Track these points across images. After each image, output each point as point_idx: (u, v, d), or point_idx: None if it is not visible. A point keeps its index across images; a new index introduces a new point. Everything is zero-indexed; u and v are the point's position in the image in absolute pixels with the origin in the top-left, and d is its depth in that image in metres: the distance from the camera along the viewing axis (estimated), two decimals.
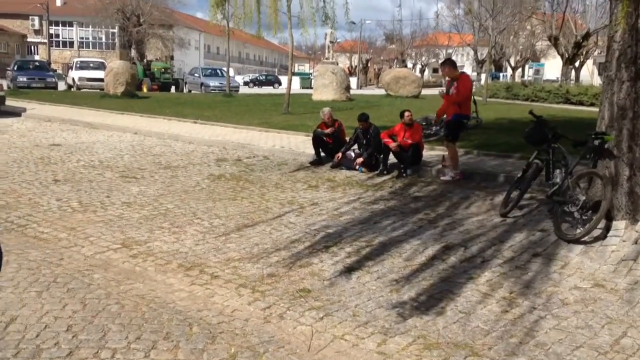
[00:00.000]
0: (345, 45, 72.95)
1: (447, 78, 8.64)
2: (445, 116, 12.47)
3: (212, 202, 7.02)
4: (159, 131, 13.03)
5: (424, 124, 12.05)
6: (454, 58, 64.99)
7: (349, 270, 4.73)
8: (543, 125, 6.12)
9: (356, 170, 9.16)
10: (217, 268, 4.74)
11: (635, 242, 4.87)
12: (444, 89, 8.74)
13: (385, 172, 8.88)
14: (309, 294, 4.23)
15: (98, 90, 25.96)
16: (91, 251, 5.08)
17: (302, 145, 11.23)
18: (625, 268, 4.56)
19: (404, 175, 8.71)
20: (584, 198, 5.30)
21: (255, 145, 11.21)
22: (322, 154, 9.78)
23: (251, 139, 12.06)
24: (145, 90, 31.56)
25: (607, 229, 5.16)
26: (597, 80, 50.15)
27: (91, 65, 31.62)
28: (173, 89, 37.03)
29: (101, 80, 24.92)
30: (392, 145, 8.81)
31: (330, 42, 28.66)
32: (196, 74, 37.50)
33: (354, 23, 55.61)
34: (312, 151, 9.84)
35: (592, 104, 24.04)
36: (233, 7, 20.04)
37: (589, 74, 55.67)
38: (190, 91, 36.62)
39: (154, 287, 4.31)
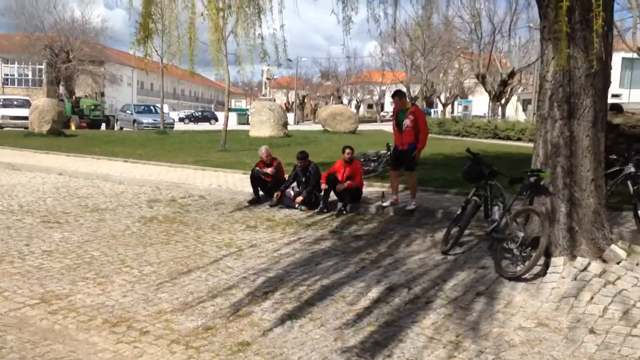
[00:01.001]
0: (282, 82, 73.54)
1: (391, 109, 8.71)
2: (386, 150, 12.65)
3: (143, 247, 6.61)
4: (87, 171, 12.40)
5: (362, 160, 12.06)
6: (386, 96, 67.10)
7: (290, 318, 4.48)
8: (480, 163, 6.17)
9: (295, 208, 8.97)
10: (147, 322, 4.37)
11: (575, 279, 4.89)
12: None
13: (325, 209, 8.74)
14: (248, 348, 3.95)
15: (22, 129, 24.73)
16: (5, 308, 4.59)
17: (239, 183, 10.96)
18: (566, 305, 4.55)
19: (344, 212, 8.60)
20: (522, 235, 5.32)
21: (190, 185, 10.83)
22: (261, 192, 9.55)
23: (186, 178, 11.67)
24: (73, 128, 30.39)
25: (547, 265, 5.18)
26: (522, 116, 52.79)
27: (15, 102, 30.28)
28: (103, 126, 35.87)
29: (25, 118, 23.81)
30: (322, 186, 8.76)
31: (267, 78, 28.72)
32: (128, 111, 36.56)
33: (290, 60, 56.33)
34: (250, 189, 9.58)
35: (518, 139, 25.11)
36: (167, 43, 19.80)
37: (514, 110, 58.55)
38: (122, 128, 35.59)
39: (75, 348, 3.90)
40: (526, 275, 5.08)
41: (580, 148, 5.32)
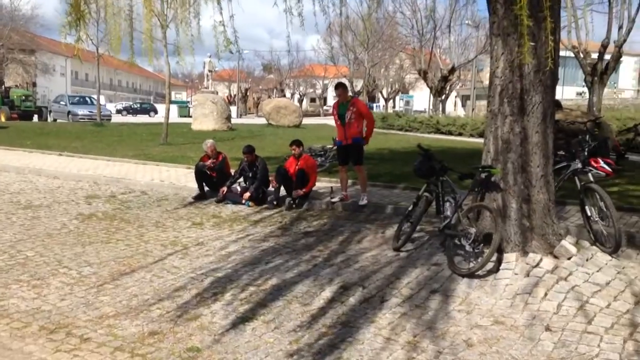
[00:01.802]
0: (224, 74, 72.45)
1: (334, 104, 8.58)
2: (332, 145, 12.55)
3: (82, 246, 6.23)
4: (18, 165, 11.68)
5: (310, 154, 11.91)
6: (329, 90, 67.22)
7: (242, 320, 4.29)
8: (431, 159, 6.14)
9: (243, 204, 8.73)
10: (88, 328, 4.07)
11: (527, 275, 4.93)
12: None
13: (275, 203, 8.56)
14: (199, 354, 3.73)
15: None
16: None
17: (183, 178, 10.59)
18: (521, 302, 4.57)
19: (293, 206, 8.44)
20: (474, 231, 5.33)
21: (131, 180, 10.37)
22: (206, 188, 9.25)
23: (126, 173, 11.18)
24: (3, 119, 28.79)
25: (499, 261, 5.20)
26: (461, 112, 54.17)
27: None
28: (36, 117, 34.14)
29: None
30: (273, 183, 8.66)
31: (209, 71, 28.08)
32: (62, 102, 34.95)
33: (232, 52, 55.42)
34: (195, 185, 9.26)
35: (460, 134, 25.66)
36: (103, 32, 18.99)
37: (453, 105, 60.07)
38: (55, 120, 33.97)
39: (9, 358, 3.57)
40: (479, 272, 5.09)
41: (530, 144, 5.36)
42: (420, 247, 6.22)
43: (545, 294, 4.64)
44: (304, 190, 8.54)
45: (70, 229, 6.97)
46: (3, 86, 38.66)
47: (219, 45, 5.89)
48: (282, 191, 8.73)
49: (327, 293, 4.89)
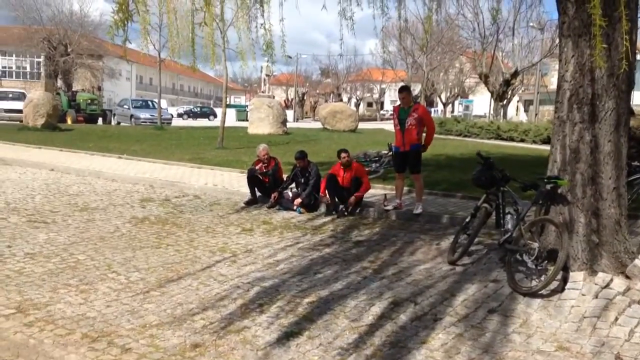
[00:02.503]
0: (282, 79, 73.20)
1: (394, 107, 8.31)
2: (387, 151, 12.28)
3: (132, 251, 6.23)
4: (79, 167, 12.01)
5: (363, 160, 11.69)
6: (387, 94, 66.64)
7: (287, 335, 4.10)
8: (491, 167, 5.78)
9: (294, 210, 8.59)
10: (130, 338, 3.99)
11: (596, 296, 4.52)
12: None
13: (333, 212, 8.35)
14: None
15: (17, 122, 24.31)
16: None
17: (236, 182, 10.58)
18: (588, 326, 4.17)
19: (345, 214, 8.23)
20: (537, 246, 4.94)
21: (185, 184, 10.45)
22: (258, 193, 9.17)
23: (181, 176, 11.28)
24: (69, 122, 29.99)
25: (564, 280, 4.80)
26: (523, 117, 52.43)
27: (10, 95, 29.84)
28: (100, 121, 35.42)
29: (20, 111, 23.38)
30: (325, 199, 8.51)
31: (267, 75, 28.28)
32: (125, 106, 36.13)
33: (290, 57, 55.94)
34: (247, 190, 9.20)
35: (522, 140, 24.72)
36: (167, 38, 19.42)
37: (515, 110, 58.22)
38: (119, 123, 35.15)
39: None
40: (543, 291, 4.71)
41: (602, 154, 4.93)
42: (478, 262, 5.86)
43: (616, 319, 4.23)
44: (358, 194, 8.33)
45: (123, 233, 7.01)
46: (69, 90, 40.26)
47: (273, 49, 5.78)
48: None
49: (377, 308, 4.64)
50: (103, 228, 7.21)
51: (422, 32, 34.82)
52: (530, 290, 4.77)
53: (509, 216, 5.46)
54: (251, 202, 9.03)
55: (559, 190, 5.10)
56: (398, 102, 8.36)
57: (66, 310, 4.48)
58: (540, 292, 4.72)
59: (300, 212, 8.53)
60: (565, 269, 4.84)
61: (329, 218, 8.22)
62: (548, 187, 5.14)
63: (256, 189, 9.13)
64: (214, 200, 9.36)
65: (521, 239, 5.12)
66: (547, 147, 21.58)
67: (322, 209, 8.62)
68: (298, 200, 8.58)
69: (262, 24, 5.42)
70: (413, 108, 7.91)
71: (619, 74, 4.85)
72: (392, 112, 8.67)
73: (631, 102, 5.38)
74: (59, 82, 42.05)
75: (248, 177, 9.15)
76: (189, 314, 4.46)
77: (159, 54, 24.47)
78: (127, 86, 63.88)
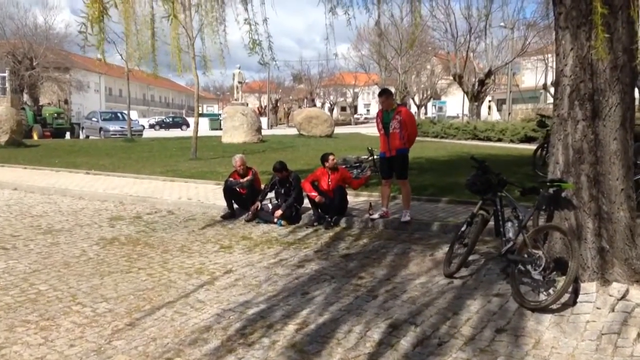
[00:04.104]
0: (254, 86, 72.59)
1: (378, 111, 7.91)
2: (367, 155, 11.87)
3: (100, 277, 5.67)
4: (44, 185, 11.32)
5: (344, 166, 11.23)
6: (360, 98, 66.79)
7: None
8: (487, 171, 5.39)
9: (274, 223, 8.10)
10: None
11: (612, 310, 4.13)
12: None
13: (315, 223, 7.90)
14: None
15: None
16: None
17: (212, 195, 10.04)
18: (609, 345, 3.78)
19: (331, 225, 7.77)
20: (544, 257, 4.55)
21: (158, 198, 9.86)
22: (235, 206, 8.65)
23: (153, 191, 10.69)
24: (35, 137, 28.96)
25: (575, 292, 4.42)
26: (496, 116, 52.80)
27: None
28: (68, 135, 34.34)
29: None
30: (317, 198, 7.91)
31: (239, 82, 27.69)
32: (94, 118, 35.15)
33: (261, 63, 55.36)
34: (224, 202, 8.68)
35: (499, 140, 24.60)
36: (129, 47, 18.74)
37: (487, 110, 58.63)
38: (88, 137, 34.14)
39: None
40: (553, 306, 4.31)
41: (607, 153, 4.58)
42: (477, 273, 5.45)
43: (639, 335, 3.84)
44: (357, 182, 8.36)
45: (90, 257, 6.44)
46: (35, 104, 39.08)
47: (247, 46, 5.31)
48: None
49: (374, 334, 4.18)
50: (68, 252, 6.62)
51: (395, 34, 34.72)
52: (539, 305, 4.37)
53: (509, 224, 5.06)
54: (229, 216, 8.52)
55: (563, 194, 4.73)
56: (371, 105, 7.96)
57: (23, 353, 3.93)
58: (550, 307, 4.32)
59: (282, 225, 8.04)
60: (575, 280, 4.45)
61: (311, 229, 7.75)
62: (551, 191, 4.76)
63: (233, 201, 8.62)
64: (189, 215, 8.81)
65: (525, 249, 4.72)
66: (525, 146, 21.39)
67: (305, 220, 8.16)
68: (278, 212, 8.09)
69: (246, 19, 4.93)
70: (396, 111, 7.52)
71: (621, 66, 4.51)
72: (365, 116, 8.24)
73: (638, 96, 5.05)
74: (25, 97, 40.83)
75: (224, 190, 8.63)
76: (163, 352, 3.94)
77: (127, 64, 23.71)
78: (96, 98, 62.63)
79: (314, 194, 7.94)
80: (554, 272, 4.53)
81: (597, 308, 4.19)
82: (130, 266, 6.06)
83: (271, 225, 8.06)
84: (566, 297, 4.37)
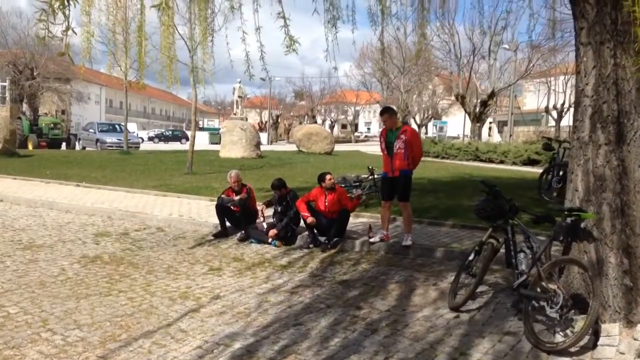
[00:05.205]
0: (255, 101, 72.55)
1: (381, 130, 7.53)
2: (367, 175, 11.47)
3: (76, 300, 5.23)
4: (31, 197, 10.89)
5: (342, 185, 10.83)
6: (362, 116, 66.79)
7: None
8: (498, 197, 4.99)
9: (268, 244, 7.68)
10: None
11: (638, 355, 3.70)
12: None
13: (310, 245, 7.49)
14: None
15: None
16: None
17: (205, 212, 9.62)
18: None
19: (328, 247, 7.35)
20: (562, 294, 4.12)
21: (148, 214, 9.43)
22: (228, 224, 8.23)
23: (144, 206, 10.26)
24: (30, 147, 28.56)
25: (595, 334, 3.99)
26: (497, 138, 52.59)
27: None
28: (64, 145, 33.94)
29: None
30: (309, 219, 7.49)
31: (239, 96, 27.38)
32: (91, 130, 34.77)
33: (263, 79, 55.33)
34: (217, 220, 8.27)
35: (501, 162, 24.25)
36: (132, 58, 18.50)
37: (488, 131, 58.45)
38: (84, 148, 33.75)
39: None
40: (571, 349, 3.88)
41: (632, 181, 4.18)
42: (485, 307, 5.02)
43: None
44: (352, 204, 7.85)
45: (69, 276, 6.00)
46: (32, 114, 38.77)
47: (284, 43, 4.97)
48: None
49: None
50: (46, 270, 6.19)
51: (397, 53, 34.57)
52: (555, 347, 3.94)
53: (522, 255, 4.65)
54: (220, 235, 8.10)
55: (582, 225, 4.32)
56: (372, 123, 7.60)
57: None
58: (568, 350, 3.89)
59: (276, 245, 7.62)
60: (595, 321, 4.03)
61: (306, 252, 7.33)
62: (569, 220, 4.35)
63: (226, 219, 8.20)
64: (179, 233, 8.39)
65: (539, 283, 4.30)
66: (528, 169, 21.02)
67: (299, 241, 7.74)
68: (273, 232, 7.67)
69: (279, 13, 4.60)
70: (401, 130, 7.14)
71: None
72: (366, 134, 7.86)
73: None
74: (24, 106, 40.56)
75: (217, 208, 8.21)
76: None
77: (125, 76, 23.45)
78: (96, 110, 62.40)
79: (306, 214, 7.53)
80: (572, 311, 4.11)
81: (621, 353, 3.76)
82: (110, 288, 5.62)
83: (265, 246, 7.65)
84: (585, 339, 3.94)
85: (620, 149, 4.20)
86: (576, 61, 4.53)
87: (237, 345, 4.24)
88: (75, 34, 3.81)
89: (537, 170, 18.70)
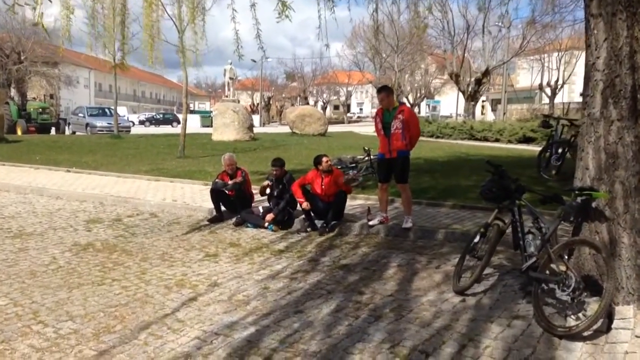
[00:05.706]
0: (247, 83, 71.90)
1: (377, 110, 7.32)
2: (363, 155, 11.27)
3: (68, 290, 5.04)
4: (20, 184, 10.65)
5: (338, 167, 10.63)
6: (354, 96, 66.54)
7: None
8: (504, 177, 4.81)
9: (265, 228, 7.50)
10: None
11: None
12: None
13: (308, 229, 7.33)
14: None
15: None
16: None
17: (199, 196, 9.42)
18: None
19: (326, 231, 7.19)
20: (574, 276, 3.97)
21: (140, 199, 9.22)
22: (223, 208, 8.04)
23: (136, 191, 10.04)
24: (19, 133, 28.12)
25: (609, 317, 3.85)
26: (490, 116, 52.48)
27: None
28: (53, 130, 33.45)
29: None
30: (304, 204, 7.32)
31: (230, 78, 26.99)
32: (81, 114, 34.26)
33: (254, 60, 54.69)
34: (211, 205, 8.08)
35: (496, 140, 24.09)
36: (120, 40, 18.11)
37: (481, 109, 58.28)
38: (74, 133, 33.30)
39: None
40: (584, 333, 3.74)
41: None
42: (492, 290, 4.88)
43: None
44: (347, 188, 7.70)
45: (60, 265, 5.81)
46: (20, 99, 38.19)
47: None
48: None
49: None
50: (36, 259, 5.99)
51: (390, 31, 34.15)
52: (568, 331, 3.79)
53: (530, 236, 4.49)
54: (216, 219, 7.92)
55: (594, 204, 4.16)
56: (365, 104, 7.38)
57: None
58: (581, 334, 3.75)
59: (272, 230, 7.45)
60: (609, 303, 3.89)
61: (304, 236, 7.17)
62: (579, 200, 4.19)
63: (221, 204, 8.01)
64: (173, 218, 8.19)
65: (549, 265, 4.15)
66: (524, 147, 20.84)
67: (297, 225, 7.57)
68: (270, 216, 7.50)
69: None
70: (398, 110, 6.93)
71: None
72: (358, 115, 7.65)
73: None
74: (12, 91, 39.92)
75: (212, 192, 8.03)
76: None
77: (114, 59, 22.99)
78: (85, 94, 61.66)
79: (301, 199, 7.35)
80: (584, 293, 3.97)
81: (637, 337, 3.62)
82: (103, 277, 5.44)
83: (261, 230, 7.48)
84: (599, 322, 3.80)
85: (633, 125, 4.03)
86: (586, 34, 4.33)
87: (236, 335, 4.08)
88: (50, 1, 3.56)
89: (533, 148, 18.57)
